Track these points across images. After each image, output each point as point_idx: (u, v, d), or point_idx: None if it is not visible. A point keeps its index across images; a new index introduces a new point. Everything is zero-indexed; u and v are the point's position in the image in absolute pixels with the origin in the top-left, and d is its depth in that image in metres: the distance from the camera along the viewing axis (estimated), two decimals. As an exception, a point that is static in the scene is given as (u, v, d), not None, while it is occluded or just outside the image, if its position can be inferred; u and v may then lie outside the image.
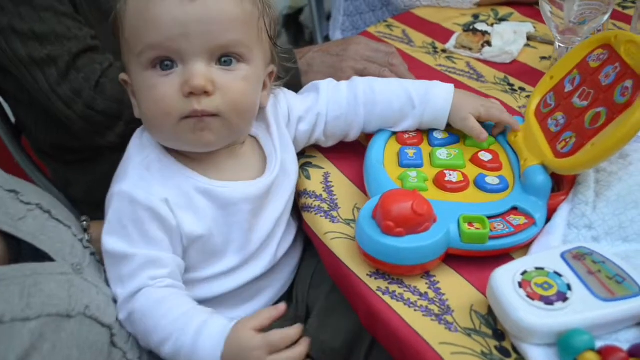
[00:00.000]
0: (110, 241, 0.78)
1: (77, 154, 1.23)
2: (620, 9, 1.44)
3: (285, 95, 0.94)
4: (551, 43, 1.29)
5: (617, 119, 0.73)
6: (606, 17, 0.99)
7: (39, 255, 0.73)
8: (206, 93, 0.75)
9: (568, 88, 0.85)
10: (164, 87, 0.76)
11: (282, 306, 0.80)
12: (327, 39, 2.11)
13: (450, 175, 0.84)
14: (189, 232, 0.80)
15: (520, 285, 0.66)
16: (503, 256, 0.77)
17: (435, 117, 0.92)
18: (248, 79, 0.79)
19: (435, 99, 0.91)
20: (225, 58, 0.77)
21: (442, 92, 0.92)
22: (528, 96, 1.11)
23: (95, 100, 1.01)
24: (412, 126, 0.94)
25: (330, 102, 0.93)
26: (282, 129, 0.90)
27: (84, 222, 0.96)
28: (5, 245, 0.74)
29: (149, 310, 0.77)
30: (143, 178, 0.80)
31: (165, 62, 0.76)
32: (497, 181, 0.83)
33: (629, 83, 0.74)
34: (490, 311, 0.70)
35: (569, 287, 0.66)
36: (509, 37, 1.29)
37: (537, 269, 0.68)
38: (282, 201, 0.88)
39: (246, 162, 0.87)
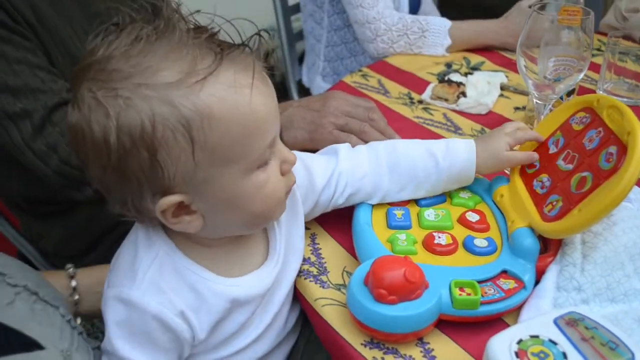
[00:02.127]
0: (119, 346, 0.73)
1: (51, 206, 1.21)
2: (587, 57, 1.48)
3: (303, 163, 0.88)
4: (524, 93, 1.32)
5: (603, 185, 0.74)
6: (581, 75, 1.02)
7: (28, 342, 0.70)
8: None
9: (552, 149, 0.87)
10: (272, 178, 0.73)
11: None
12: (299, 82, 2.11)
13: (439, 237, 0.84)
14: (203, 337, 0.76)
15: (517, 355, 0.66)
16: (495, 320, 0.77)
17: (462, 169, 0.89)
18: None
19: (458, 152, 0.89)
20: None
21: (462, 143, 0.90)
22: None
23: (71, 155, 0.99)
24: (438, 185, 0.91)
25: (351, 163, 0.90)
26: (293, 201, 0.85)
27: (70, 270, 0.94)
28: None
29: None
30: (156, 285, 0.72)
31: None
32: (485, 243, 0.83)
33: (613, 149, 0.75)
34: (487, 378, 0.69)
35: (564, 356, 0.66)
36: (483, 87, 1.32)
37: (532, 337, 0.68)
38: (289, 280, 0.85)
39: (254, 245, 0.83)
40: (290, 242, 0.85)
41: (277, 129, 0.73)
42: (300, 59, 2.17)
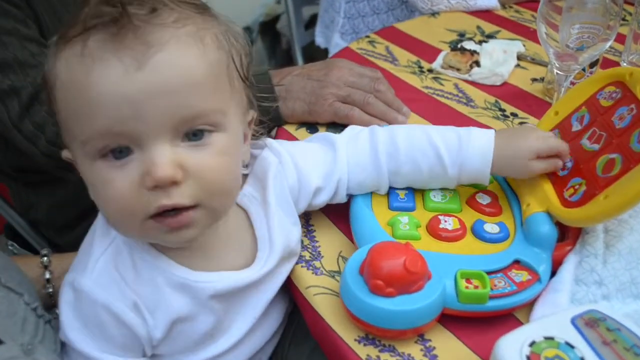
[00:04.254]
0: (74, 339, 0.67)
1: (41, 174, 1.15)
2: (611, 26, 1.38)
3: (294, 161, 0.78)
4: (543, 64, 1.23)
5: (634, 169, 0.66)
6: (608, 44, 0.92)
7: None
8: (175, 183, 0.60)
9: (576, 127, 0.78)
10: (121, 182, 0.60)
11: None
12: (305, 49, 2.04)
13: (446, 221, 0.76)
14: (159, 336, 0.69)
15: (529, 359, 0.59)
16: (505, 316, 0.70)
17: (474, 178, 0.79)
18: (227, 152, 0.64)
19: (470, 158, 0.77)
20: (194, 132, 0.62)
21: (478, 146, 0.77)
22: (521, 123, 1.04)
23: (60, 136, 0.92)
24: (446, 185, 0.82)
25: (351, 164, 0.79)
26: (286, 200, 0.76)
27: (45, 258, 0.88)
28: None
29: None
30: (107, 274, 0.66)
31: (118, 149, 0.60)
32: (496, 229, 0.76)
33: (647, 129, 0.67)
34: (494, 382, 0.62)
35: (583, 362, 0.59)
36: (499, 56, 1.23)
37: (546, 338, 0.61)
38: (276, 284, 0.76)
39: (232, 243, 0.73)
40: (285, 246, 0.75)
41: (129, 123, 0.59)
42: (306, 26, 2.09)
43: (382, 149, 0.79)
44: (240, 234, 0.74)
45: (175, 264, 0.68)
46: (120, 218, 0.63)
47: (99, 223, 0.70)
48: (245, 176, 0.76)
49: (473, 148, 0.77)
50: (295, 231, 0.77)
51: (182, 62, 0.60)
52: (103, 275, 0.66)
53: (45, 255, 0.89)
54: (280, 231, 0.74)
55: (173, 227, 0.62)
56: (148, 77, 0.58)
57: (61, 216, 1.19)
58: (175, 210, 0.61)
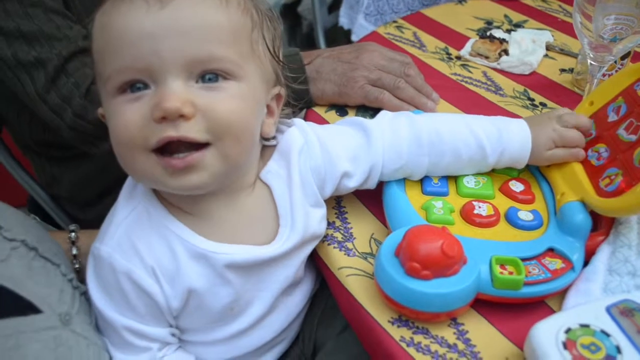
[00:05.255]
0: (100, 303, 0.70)
1: (64, 150, 1.15)
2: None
3: (321, 143, 0.76)
4: (572, 55, 1.22)
5: (674, 161, 0.66)
6: (642, 36, 0.92)
7: (22, 304, 0.63)
8: (183, 117, 0.61)
9: (612, 117, 0.78)
10: (132, 112, 0.63)
11: None
12: (326, 32, 2.03)
13: (480, 207, 0.76)
14: (177, 306, 0.70)
15: (565, 346, 0.59)
16: (537, 303, 0.70)
17: (509, 164, 0.81)
18: (240, 98, 0.65)
19: (511, 145, 0.78)
20: (208, 75, 0.64)
21: (517, 134, 0.78)
22: (550, 113, 1.04)
23: (86, 109, 0.93)
24: (480, 172, 0.82)
25: (388, 151, 0.77)
26: (307, 180, 0.75)
27: (73, 234, 0.88)
28: None
29: None
30: (127, 241, 0.68)
31: (136, 85, 0.63)
32: (530, 217, 0.76)
33: (688, 120, 0.67)
34: (526, 366, 0.63)
35: (618, 350, 0.59)
36: (527, 46, 1.22)
37: (582, 326, 0.61)
38: (297, 262, 0.76)
39: (254, 218, 0.73)
40: (307, 227, 0.74)
41: (146, 58, 0.62)
42: (330, 9, 2.08)
43: (425, 137, 0.78)
44: (263, 210, 0.74)
45: (196, 234, 0.70)
46: (125, 148, 0.64)
47: (123, 192, 0.72)
48: (271, 152, 0.76)
49: (512, 136, 0.78)
50: (315, 213, 0.76)
51: (201, 8, 0.64)
52: (123, 241, 0.68)
53: (73, 231, 0.89)
54: (302, 210, 0.74)
55: (177, 167, 0.63)
56: (167, 16, 0.62)
57: (83, 193, 1.20)
58: (185, 153, 0.63)
